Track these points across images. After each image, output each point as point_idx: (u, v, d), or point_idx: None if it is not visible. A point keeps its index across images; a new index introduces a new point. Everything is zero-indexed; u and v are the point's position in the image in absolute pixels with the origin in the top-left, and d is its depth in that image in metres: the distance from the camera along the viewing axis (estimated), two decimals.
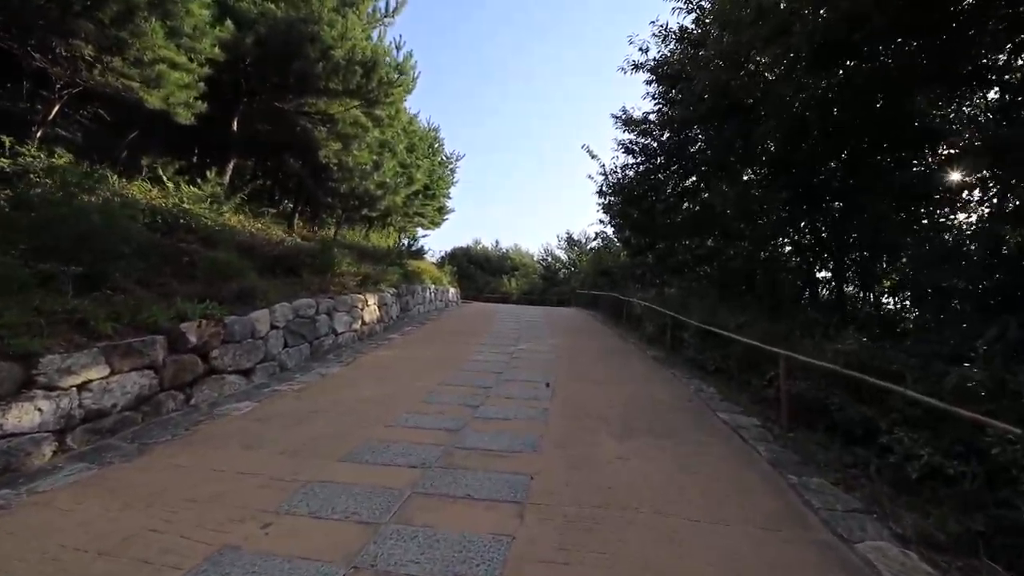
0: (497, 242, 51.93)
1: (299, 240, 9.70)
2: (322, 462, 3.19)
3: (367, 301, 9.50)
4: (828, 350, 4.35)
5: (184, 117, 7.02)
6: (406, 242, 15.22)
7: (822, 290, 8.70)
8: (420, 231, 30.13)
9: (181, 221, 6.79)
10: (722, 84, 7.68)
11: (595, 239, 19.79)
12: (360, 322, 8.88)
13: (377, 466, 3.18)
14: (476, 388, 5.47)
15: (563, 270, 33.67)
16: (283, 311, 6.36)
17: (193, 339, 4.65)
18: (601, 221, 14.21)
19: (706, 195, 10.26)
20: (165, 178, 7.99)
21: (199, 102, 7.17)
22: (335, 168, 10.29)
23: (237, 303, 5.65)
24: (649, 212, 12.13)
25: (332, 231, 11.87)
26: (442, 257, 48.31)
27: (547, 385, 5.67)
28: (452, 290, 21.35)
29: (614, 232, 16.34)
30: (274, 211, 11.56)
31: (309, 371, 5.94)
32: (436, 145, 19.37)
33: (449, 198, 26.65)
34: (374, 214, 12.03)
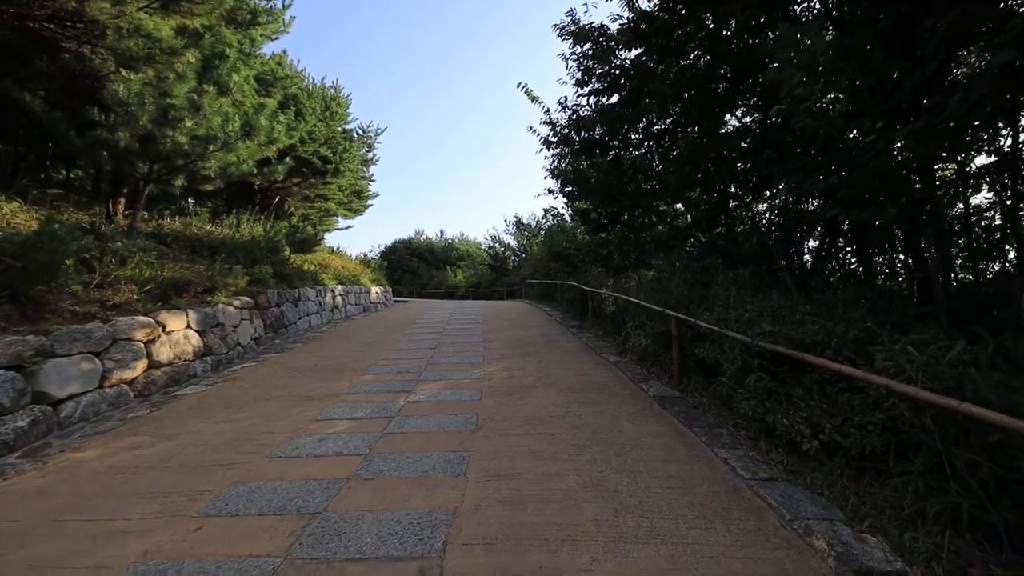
0: (442, 232, 47.83)
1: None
2: None
3: (163, 327, 5.54)
4: None
5: None
6: (286, 231, 11.05)
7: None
8: (341, 221, 25.85)
9: None
10: None
11: (544, 217, 16.33)
12: (137, 366, 4.92)
13: None
14: None
15: (512, 257, 30.21)
16: None
17: None
18: (550, 191, 10.68)
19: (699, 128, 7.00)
20: None
21: None
22: (115, 111, 6.12)
23: None
24: (613, 169, 8.84)
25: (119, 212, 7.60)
26: (382, 251, 43.89)
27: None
28: (376, 290, 17.32)
29: (566, 203, 12.97)
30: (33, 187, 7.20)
31: None
32: (337, 109, 15.14)
33: (369, 180, 22.46)
34: (208, 186, 7.88)
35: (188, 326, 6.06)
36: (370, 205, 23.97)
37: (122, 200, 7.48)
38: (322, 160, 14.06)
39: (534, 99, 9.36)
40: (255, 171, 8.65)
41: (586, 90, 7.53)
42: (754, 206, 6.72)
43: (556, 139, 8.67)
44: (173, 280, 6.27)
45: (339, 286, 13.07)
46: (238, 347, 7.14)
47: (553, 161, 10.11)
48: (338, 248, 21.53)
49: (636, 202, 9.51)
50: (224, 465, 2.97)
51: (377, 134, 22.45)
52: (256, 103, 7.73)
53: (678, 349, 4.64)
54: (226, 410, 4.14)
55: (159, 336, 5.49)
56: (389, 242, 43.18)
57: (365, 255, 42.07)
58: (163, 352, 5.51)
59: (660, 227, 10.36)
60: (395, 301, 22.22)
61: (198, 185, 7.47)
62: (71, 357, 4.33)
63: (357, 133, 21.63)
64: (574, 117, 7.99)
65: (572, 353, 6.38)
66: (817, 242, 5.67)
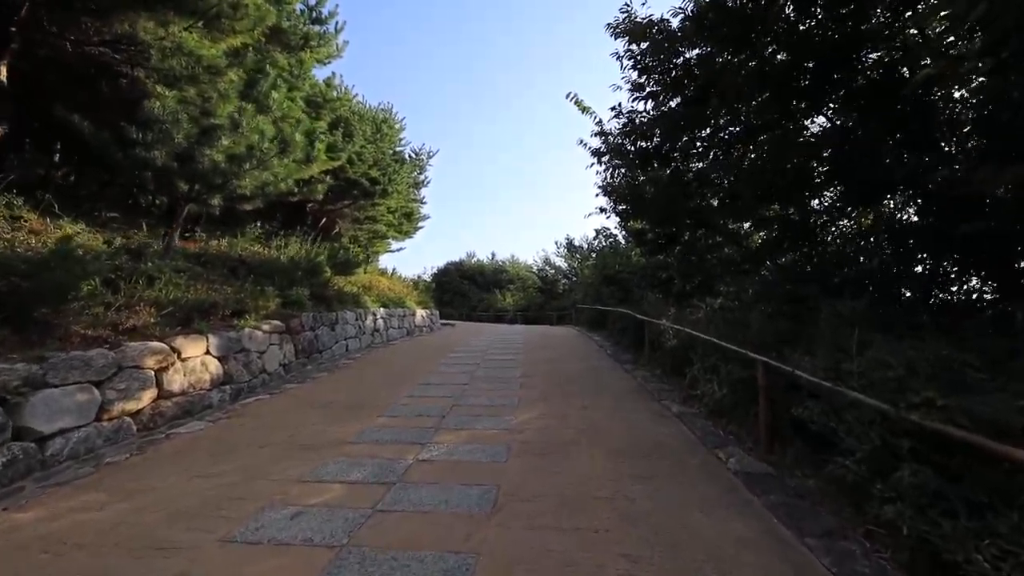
0: (493, 254, 47.79)
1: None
2: None
3: (178, 353, 5.19)
4: None
5: None
6: (327, 252, 10.90)
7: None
8: (393, 243, 26.23)
9: None
10: None
11: (596, 238, 15.35)
12: (144, 396, 4.53)
13: None
14: None
15: (563, 280, 29.22)
16: None
17: None
18: (602, 210, 9.76)
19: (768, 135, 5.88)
20: None
21: None
22: (154, 127, 6.07)
23: None
24: (673, 183, 7.84)
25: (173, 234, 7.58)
26: (434, 273, 44.48)
27: None
28: (421, 313, 17.01)
29: (620, 223, 11.96)
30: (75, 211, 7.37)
31: None
32: (388, 131, 15.25)
33: (420, 202, 22.60)
34: (247, 205, 7.75)
35: (207, 352, 5.70)
36: (420, 227, 24.10)
37: (179, 222, 7.49)
38: (371, 181, 14.06)
39: (584, 110, 8.60)
40: (295, 190, 8.49)
41: (643, 93, 6.65)
42: (857, 220, 5.46)
43: (608, 151, 7.82)
44: (198, 302, 6.00)
45: (381, 309, 12.76)
46: (263, 374, 6.75)
47: (605, 177, 9.25)
48: (393, 271, 21.61)
49: (699, 220, 8.41)
50: (166, 550, 2.31)
51: (429, 157, 22.69)
52: (295, 119, 7.55)
53: (767, 405, 3.53)
54: (211, 458, 3.56)
55: (172, 363, 5.12)
56: (442, 264, 43.58)
57: (418, 276, 42.72)
58: (176, 381, 5.14)
59: (727, 248, 9.13)
60: (441, 324, 21.91)
61: (236, 204, 7.35)
62: (65, 387, 3.95)
63: (410, 156, 21.98)
64: (629, 124, 7.11)
65: (624, 397, 5.34)
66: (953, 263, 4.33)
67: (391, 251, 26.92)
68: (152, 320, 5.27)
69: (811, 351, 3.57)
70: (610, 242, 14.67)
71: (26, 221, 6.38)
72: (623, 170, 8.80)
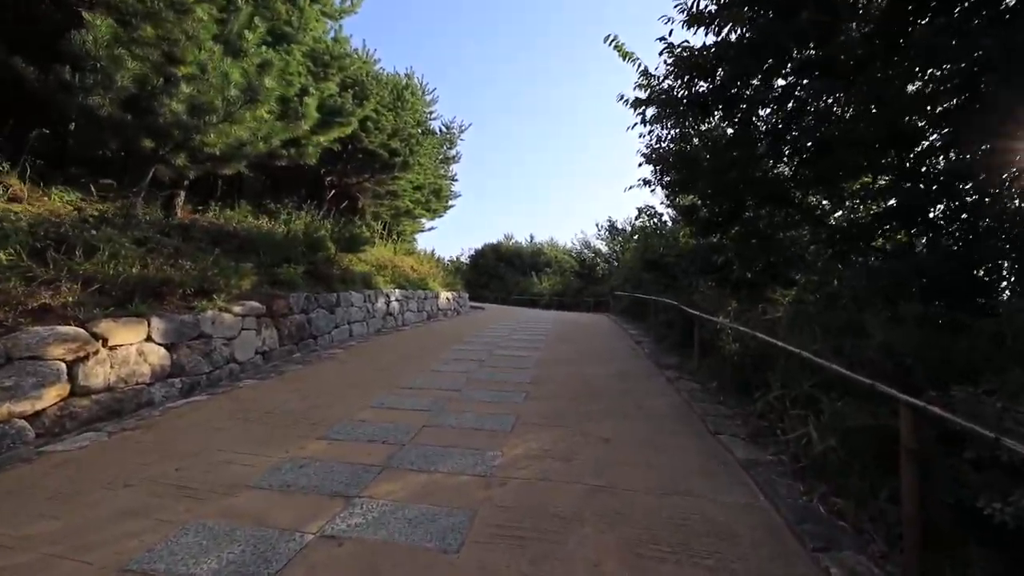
0: (531, 237, 46.27)
1: None
2: None
3: (103, 340, 4.19)
4: None
5: None
6: (331, 227, 9.87)
7: None
8: (426, 223, 25.32)
9: None
10: None
11: (638, 217, 13.51)
12: (46, 394, 3.52)
13: None
14: None
15: (603, 264, 27.32)
16: None
17: None
18: (646, 182, 8.13)
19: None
20: None
21: None
22: (87, 67, 5.05)
23: None
24: (740, 139, 6.17)
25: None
26: (471, 255, 43.58)
27: None
28: (447, 295, 15.93)
29: (667, 196, 10.16)
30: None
31: None
32: (411, 99, 14.00)
33: (451, 179, 21.40)
34: (226, 169, 6.70)
35: (148, 338, 4.71)
36: (451, 206, 22.96)
37: (144, 186, 6.59)
38: (390, 153, 12.92)
39: (626, 56, 6.92)
40: (283, 153, 7.40)
41: (702, 12, 4.95)
42: None
43: (654, 98, 6.16)
44: (143, 280, 5.02)
45: (396, 291, 11.71)
46: (231, 364, 5.77)
47: (649, 140, 7.58)
48: (432, 252, 20.60)
49: (771, 191, 6.65)
50: None
51: (461, 131, 21.36)
52: (286, 71, 6.37)
53: (915, 484, 1.99)
54: (48, 502, 2.47)
55: (94, 353, 4.13)
56: (479, 246, 42.56)
57: (457, 258, 42.00)
58: (98, 374, 4.15)
59: (807, 227, 7.30)
60: (472, 307, 20.80)
61: (214, 167, 6.33)
62: None
63: (441, 130, 20.72)
64: (681, 60, 5.43)
65: (664, 424, 3.86)
66: None
67: (424, 231, 26.13)
68: (72, 299, 4.31)
69: (1007, 391, 1.98)
70: (653, 222, 12.83)
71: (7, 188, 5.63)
72: (671, 129, 7.11)
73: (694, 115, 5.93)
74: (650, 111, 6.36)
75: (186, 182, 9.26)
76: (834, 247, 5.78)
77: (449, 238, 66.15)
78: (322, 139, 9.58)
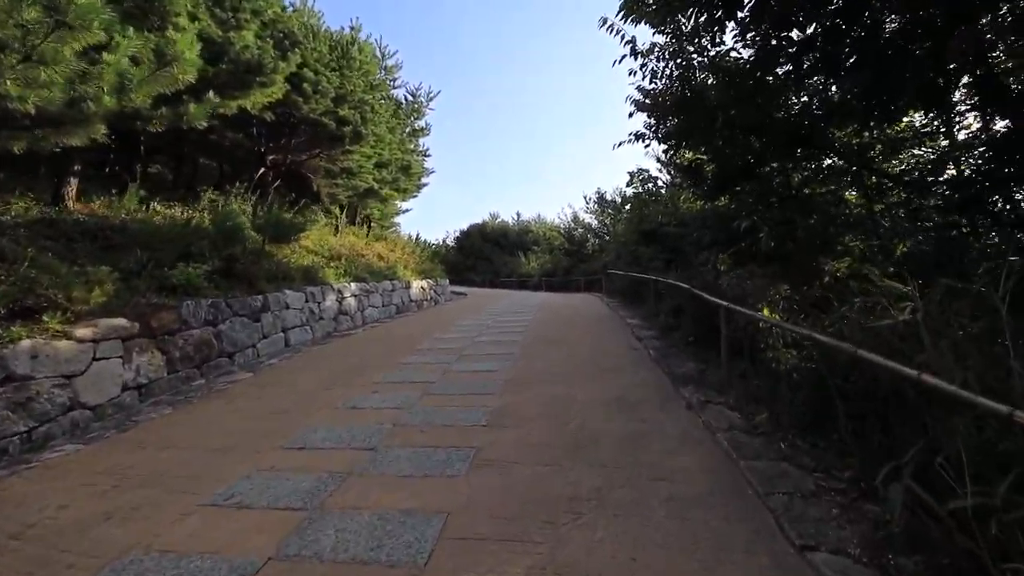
0: (518, 215, 44.29)
1: None
2: None
3: None
4: None
5: None
6: (255, 214, 8.08)
7: None
8: (401, 204, 23.42)
9: None
10: None
11: (631, 183, 11.71)
12: None
13: None
14: None
15: (594, 240, 25.59)
16: None
17: None
18: (638, 137, 6.29)
19: None
20: None
21: None
22: None
23: None
24: (759, 66, 4.50)
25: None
26: (456, 237, 41.60)
27: None
28: (420, 284, 14.23)
29: (664, 154, 8.41)
30: None
31: None
32: (360, 57, 11.96)
33: (421, 154, 19.40)
34: (73, 139, 4.81)
35: None
36: (424, 184, 20.97)
37: (71, 179, 4.74)
38: (338, 122, 10.99)
39: None
40: (154, 114, 5.55)
41: None
42: None
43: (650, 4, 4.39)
44: None
45: (352, 284, 9.98)
46: (75, 411, 4.08)
47: (641, 80, 5.82)
48: (417, 236, 18.65)
49: (811, 134, 5.05)
50: None
51: (430, 99, 19.23)
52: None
53: None
54: None
55: None
56: (464, 227, 40.61)
57: (443, 241, 39.92)
58: None
59: (847, 179, 5.72)
60: (453, 294, 19.10)
61: (36, 135, 4.50)
62: None
63: (406, 98, 18.60)
64: None
65: (706, 533, 2.27)
66: None
67: (400, 213, 24.17)
68: None
69: None
70: (648, 187, 11.09)
71: None
72: (669, 60, 5.38)
73: (707, 20, 4.18)
74: (642, 24, 4.58)
75: (76, 167, 7.43)
76: (906, 205, 4.17)
77: (448, 223, 65.21)
78: (240, 102, 7.71)
